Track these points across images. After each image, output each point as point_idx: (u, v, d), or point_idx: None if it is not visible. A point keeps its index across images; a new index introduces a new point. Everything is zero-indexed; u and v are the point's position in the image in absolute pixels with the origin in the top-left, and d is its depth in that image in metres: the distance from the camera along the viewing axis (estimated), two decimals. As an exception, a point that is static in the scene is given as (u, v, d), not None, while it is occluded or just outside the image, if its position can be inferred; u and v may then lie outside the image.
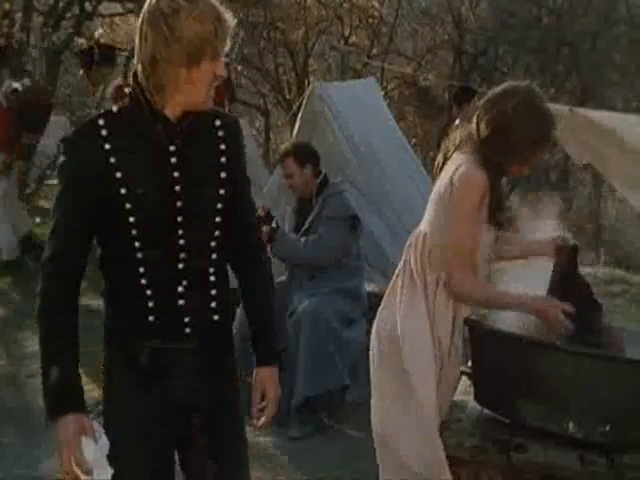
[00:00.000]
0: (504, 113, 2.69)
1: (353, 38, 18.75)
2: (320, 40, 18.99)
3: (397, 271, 2.98)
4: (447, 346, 2.83)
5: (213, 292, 2.30)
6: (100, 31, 11.32)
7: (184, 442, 2.37)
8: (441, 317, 2.82)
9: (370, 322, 3.11)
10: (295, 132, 6.45)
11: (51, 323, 2.19)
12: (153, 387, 2.27)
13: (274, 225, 4.92)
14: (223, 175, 2.28)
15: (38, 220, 11.17)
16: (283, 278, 5.12)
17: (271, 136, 18.36)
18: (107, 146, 2.15)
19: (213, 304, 2.30)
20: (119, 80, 8.20)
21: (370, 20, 18.63)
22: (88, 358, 6.32)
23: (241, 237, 2.41)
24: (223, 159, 2.29)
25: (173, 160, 2.20)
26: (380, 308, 3.00)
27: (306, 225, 5.01)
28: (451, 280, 2.74)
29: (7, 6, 12.35)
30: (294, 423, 4.69)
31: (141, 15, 2.14)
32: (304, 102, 6.49)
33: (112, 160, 2.14)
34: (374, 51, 18.89)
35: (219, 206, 2.27)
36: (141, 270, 2.20)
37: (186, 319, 2.26)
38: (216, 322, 2.31)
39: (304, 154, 5.06)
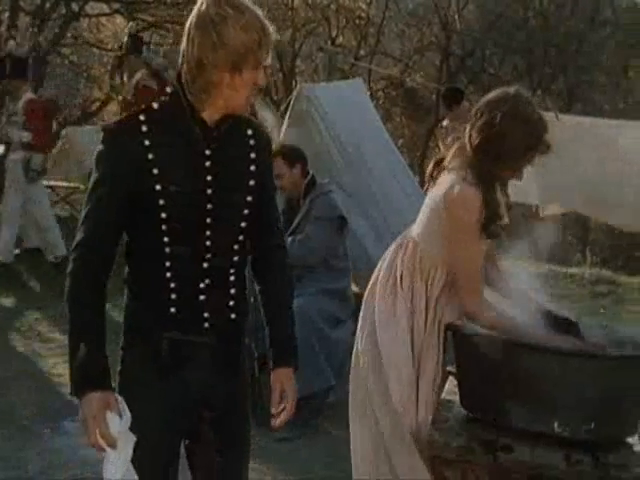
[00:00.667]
0: (494, 121, 2.70)
1: (340, 39, 18.80)
2: (307, 41, 19.02)
3: (379, 271, 2.97)
4: (436, 354, 2.85)
5: (232, 291, 2.37)
6: (12, 42, 11.18)
7: (193, 436, 2.43)
8: (430, 329, 2.85)
9: (356, 323, 3.12)
10: (282, 133, 6.45)
11: (78, 310, 2.22)
12: (171, 379, 2.33)
13: None
14: (252, 183, 2.36)
15: (24, 221, 11.12)
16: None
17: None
18: (147, 142, 2.22)
19: (231, 303, 2.37)
20: (30, 94, 8.13)
21: (357, 21, 18.68)
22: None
23: (264, 241, 2.49)
24: (252, 167, 2.37)
25: (207, 164, 2.28)
26: (362, 308, 3.02)
27: (294, 225, 5.01)
28: (467, 307, 2.76)
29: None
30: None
31: (189, 20, 2.21)
32: (291, 103, 6.50)
33: (150, 156, 2.22)
34: (361, 52, 18.94)
35: (245, 212, 2.35)
36: (167, 264, 2.27)
37: (205, 314, 2.33)
38: (232, 320, 2.39)
39: (293, 154, 5.06)
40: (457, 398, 2.75)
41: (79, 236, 2.24)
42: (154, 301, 2.32)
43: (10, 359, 6.29)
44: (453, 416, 2.71)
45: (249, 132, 2.38)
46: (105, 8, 15.44)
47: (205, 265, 2.31)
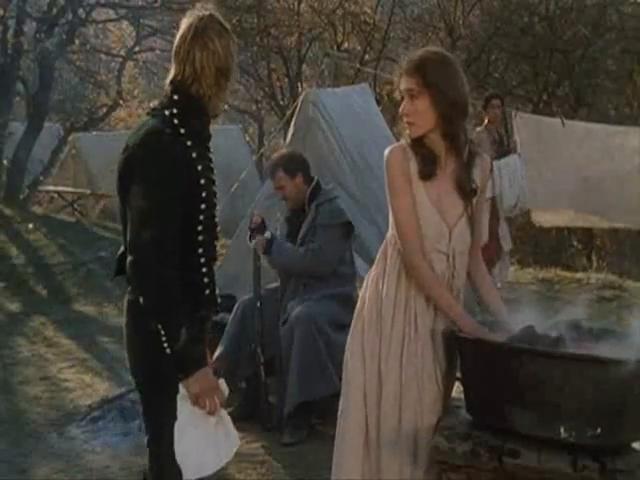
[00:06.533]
0: None
1: (346, 44, 18.80)
2: (313, 46, 19.03)
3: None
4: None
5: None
6: None
7: None
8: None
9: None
10: (288, 138, 6.44)
11: (172, 298, 2.43)
12: None
13: (268, 235, 4.88)
14: None
15: (31, 226, 11.16)
16: (276, 284, 5.10)
17: (265, 142, 18.35)
18: (189, 142, 2.53)
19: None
20: None
21: (363, 26, 18.68)
22: (91, 359, 6.19)
23: None
24: None
25: (211, 156, 2.66)
26: None
27: (301, 234, 4.97)
28: (403, 257, 2.82)
29: (0, 12, 12.33)
30: (287, 429, 4.68)
31: (190, 35, 2.53)
32: (297, 108, 6.49)
33: (194, 155, 2.53)
34: (367, 57, 18.93)
35: None
36: (200, 251, 2.58)
37: (216, 292, 2.69)
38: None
39: (293, 165, 5.02)
40: (463, 404, 2.75)
41: (154, 231, 2.42)
42: (191, 286, 2.54)
43: (16, 364, 6.30)
44: (459, 422, 2.71)
45: None
46: (112, 14, 15.48)
47: (217, 247, 2.68)
